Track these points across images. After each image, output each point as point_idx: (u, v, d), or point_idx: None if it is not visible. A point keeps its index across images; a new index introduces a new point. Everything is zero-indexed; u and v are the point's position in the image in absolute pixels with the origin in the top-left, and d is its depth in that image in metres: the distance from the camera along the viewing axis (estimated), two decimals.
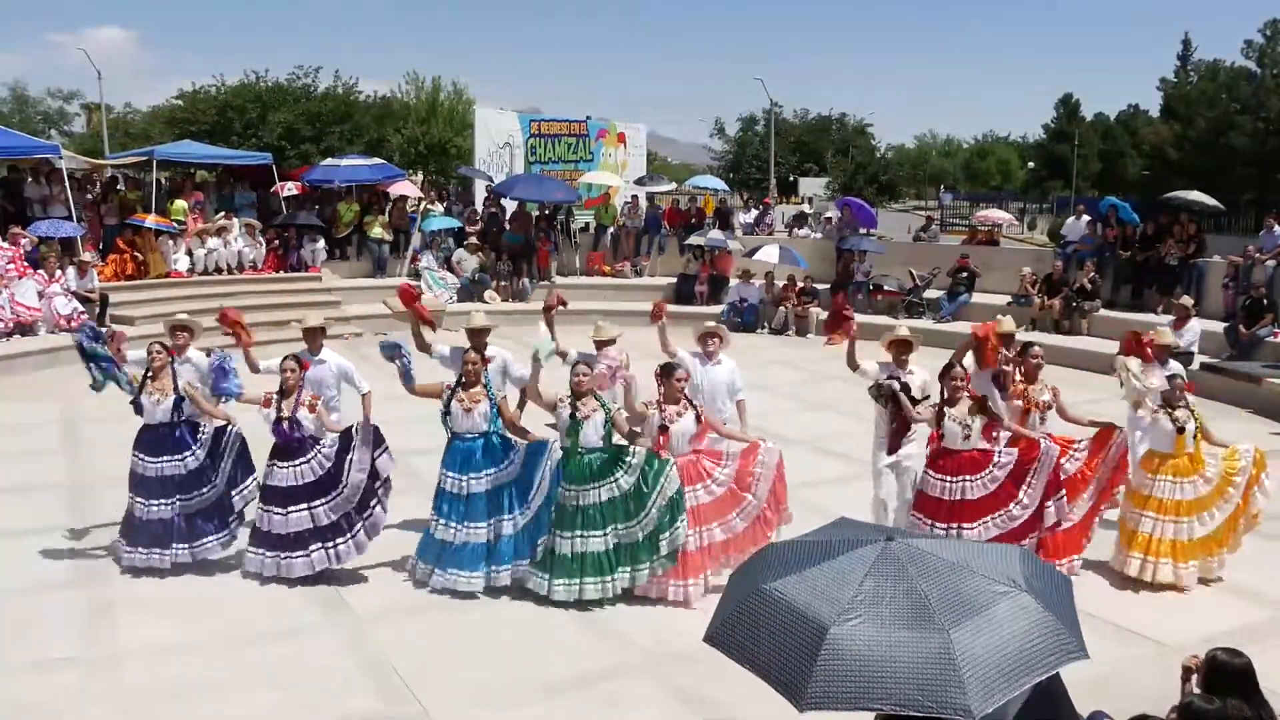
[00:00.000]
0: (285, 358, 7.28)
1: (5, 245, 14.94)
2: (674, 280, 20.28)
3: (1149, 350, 8.12)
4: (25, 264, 15.01)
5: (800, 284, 18.93)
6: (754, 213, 24.44)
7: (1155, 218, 18.23)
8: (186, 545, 7.16)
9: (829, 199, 47.00)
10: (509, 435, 7.12)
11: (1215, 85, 50.75)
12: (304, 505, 6.97)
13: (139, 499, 7.17)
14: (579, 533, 6.78)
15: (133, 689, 5.69)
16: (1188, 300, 14.88)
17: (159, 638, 6.26)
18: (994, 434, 7.07)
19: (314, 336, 7.72)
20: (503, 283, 19.60)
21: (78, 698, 5.60)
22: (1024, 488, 6.90)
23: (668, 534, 6.74)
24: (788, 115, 61.67)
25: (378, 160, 23.58)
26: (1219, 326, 15.18)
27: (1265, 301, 14.82)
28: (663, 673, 5.98)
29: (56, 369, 14.10)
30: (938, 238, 25.01)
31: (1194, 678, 4.03)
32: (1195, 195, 18.47)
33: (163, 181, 20.13)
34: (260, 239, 18.95)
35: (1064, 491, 7.01)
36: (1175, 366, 8.27)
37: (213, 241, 18.31)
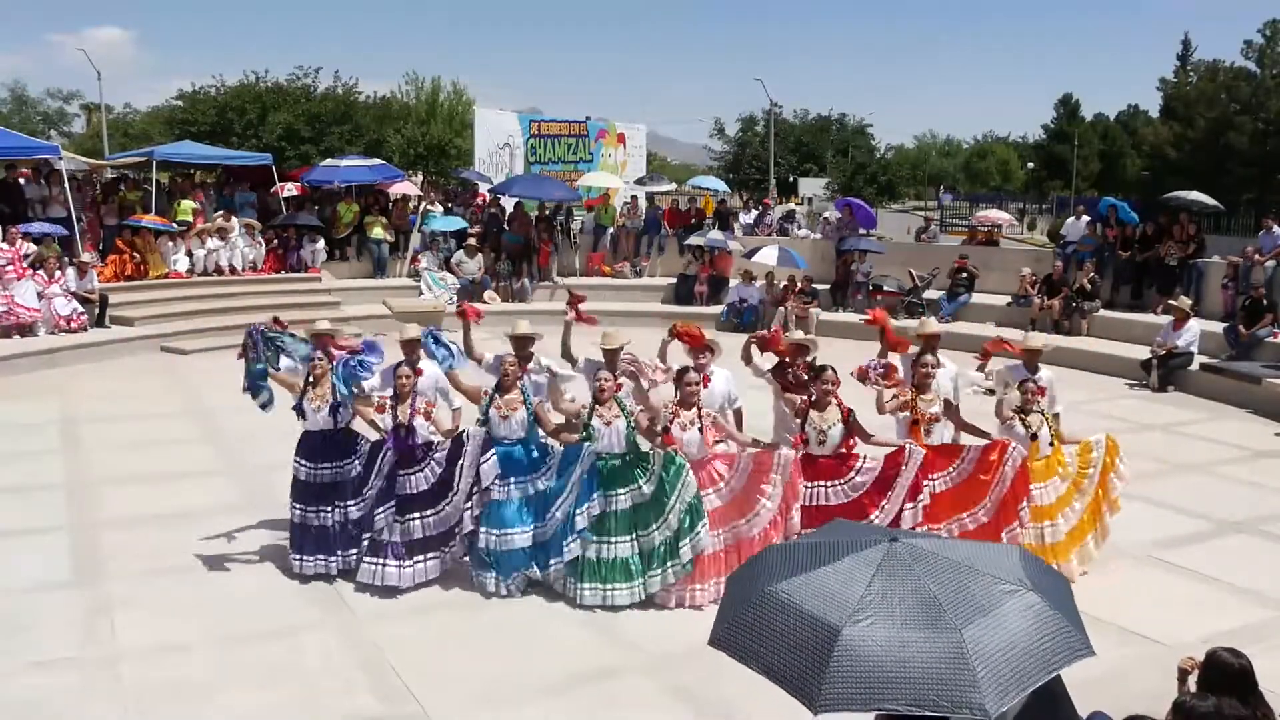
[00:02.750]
0: (399, 364, 7.28)
1: (4, 247, 14.93)
2: (674, 281, 20.30)
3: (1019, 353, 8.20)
4: (24, 265, 15.00)
5: (800, 285, 18.94)
6: (754, 213, 24.40)
7: (1155, 218, 18.26)
8: (343, 553, 7.10)
9: (829, 199, 47.02)
10: (547, 442, 7.12)
11: (1215, 85, 50.62)
12: (418, 514, 6.99)
13: (297, 505, 7.16)
14: (604, 539, 6.79)
15: (132, 689, 5.69)
16: (1186, 300, 14.91)
17: (158, 637, 6.26)
18: (853, 445, 7.08)
19: (412, 348, 7.62)
20: (502, 283, 19.61)
21: (78, 697, 5.60)
22: (887, 496, 6.92)
23: (688, 539, 6.72)
24: (788, 115, 61.69)
25: (378, 161, 23.60)
26: (1219, 327, 15.18)
27: (1265, 302, 14.83)
28: (663, 673, 5.99)
29: (56, 369, 14.13)
30: (937, 238, 24.98)
31: (1190, 679, 4.03)
32: (1195, 195, 18.50)
33: (163, 182, 20.12)
34: (260, 239, 18.95)
35: (923, 496, 6.96)
36: (1045, 372, 8.23)
37: (213, 242, 18.30)
